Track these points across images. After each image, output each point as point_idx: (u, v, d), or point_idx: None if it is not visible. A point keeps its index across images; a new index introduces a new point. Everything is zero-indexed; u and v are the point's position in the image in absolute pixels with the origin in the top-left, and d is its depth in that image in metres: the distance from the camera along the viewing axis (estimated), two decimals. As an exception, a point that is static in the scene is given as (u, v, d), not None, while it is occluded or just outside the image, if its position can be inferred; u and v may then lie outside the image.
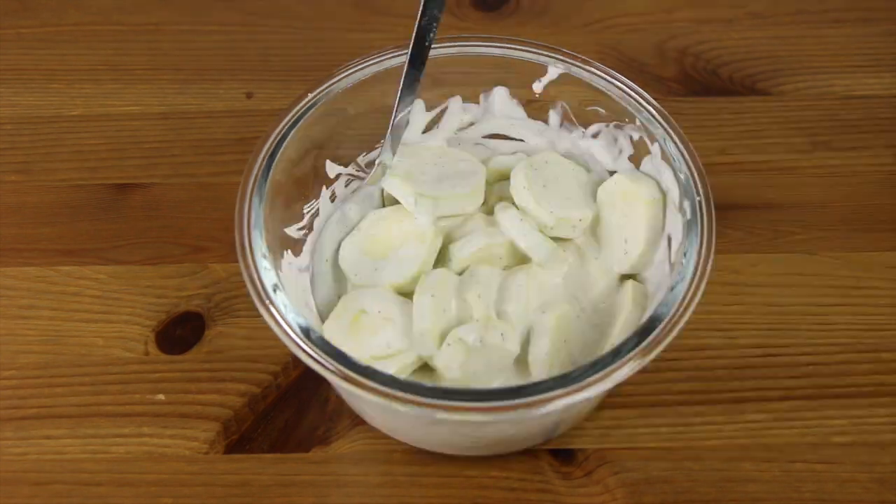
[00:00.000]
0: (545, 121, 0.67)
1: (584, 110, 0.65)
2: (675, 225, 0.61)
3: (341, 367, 0.53)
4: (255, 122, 0.75)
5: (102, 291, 0.67)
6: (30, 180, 0.73)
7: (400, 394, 0.52)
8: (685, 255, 0.57)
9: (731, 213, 0.70)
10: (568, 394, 0.52)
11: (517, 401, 0.52)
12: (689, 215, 0.59)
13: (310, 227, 0.64)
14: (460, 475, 0.61)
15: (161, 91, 0.77)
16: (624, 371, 0.53)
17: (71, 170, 0.73)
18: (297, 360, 0.62)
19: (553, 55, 0.64)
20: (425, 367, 0.60)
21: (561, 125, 0.67)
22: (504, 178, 0.66)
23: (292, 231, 0.63)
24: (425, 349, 0.59)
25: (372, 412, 0.60)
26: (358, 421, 0.62)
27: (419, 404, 0.52)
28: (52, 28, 0.81)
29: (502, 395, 0.52)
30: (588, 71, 0.64)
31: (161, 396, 0.63)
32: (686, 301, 0.55)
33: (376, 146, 0.66)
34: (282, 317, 0.54)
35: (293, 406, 0.63)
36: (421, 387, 0.53)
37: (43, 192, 0.72)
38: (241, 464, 0.61)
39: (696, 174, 0.60)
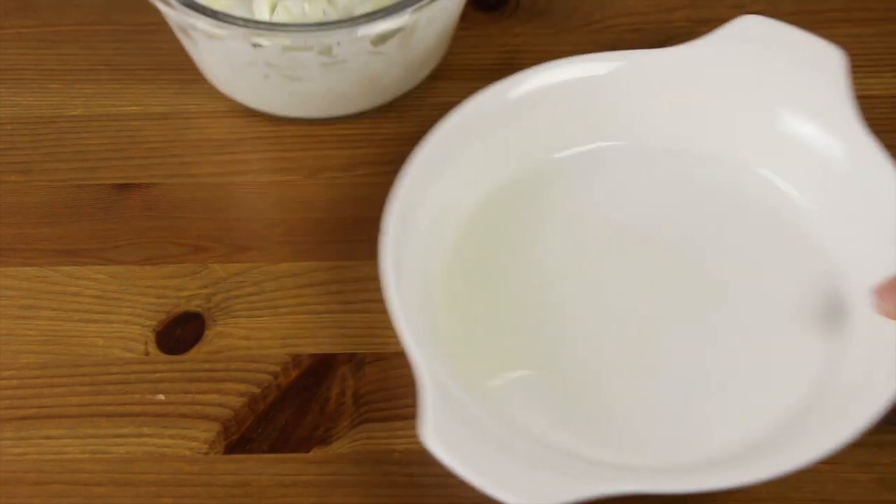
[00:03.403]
0: None
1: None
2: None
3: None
4: (255, 122, 0.75)
5: (102, 291, 0.67)
6: (30, 180, 0.73)
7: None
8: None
9: (731, 213, 0.70)
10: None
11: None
12: (688, 214, 0.59)
13: None
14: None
15: (161, 91, 0.77)
16: None
17: (71, 170, 0.73)
18: (297, 360, 0.62)
19: None
20: None
21: None
22: None
23: None
24: (259, 14, 0.65)
25: (211, 60, 0.65)
26: (358, 421, 0.62)
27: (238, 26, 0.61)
28: (51, 28, 0.81)
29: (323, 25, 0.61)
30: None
31: (161, 396, 0.63)
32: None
33: None
34: None
35: (293, 406, 0.63)
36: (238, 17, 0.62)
37: (43, 192, 0.72)
38: (241, 464, 0.61)
39: (695, 174, 0.60)
